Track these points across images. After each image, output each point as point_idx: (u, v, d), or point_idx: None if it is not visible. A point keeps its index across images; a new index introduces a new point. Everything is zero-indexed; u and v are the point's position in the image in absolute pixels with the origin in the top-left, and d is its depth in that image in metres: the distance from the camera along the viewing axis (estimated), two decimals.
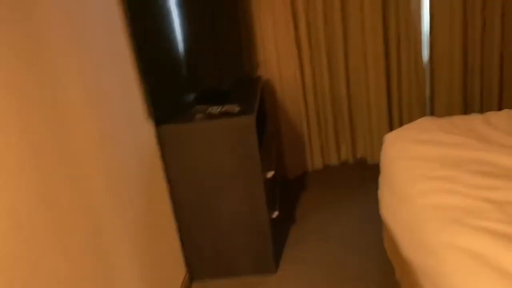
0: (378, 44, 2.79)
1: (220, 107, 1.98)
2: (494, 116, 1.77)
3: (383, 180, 1.79)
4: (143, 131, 1.78)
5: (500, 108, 2.95)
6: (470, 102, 2.96)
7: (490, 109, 2.93)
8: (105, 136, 1.42)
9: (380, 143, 2.97)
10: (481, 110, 2.94)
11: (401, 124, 3.01)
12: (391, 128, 3.01)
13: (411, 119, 2.99)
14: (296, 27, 2.73)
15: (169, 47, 1.92)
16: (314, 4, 2.71)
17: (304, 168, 3.09)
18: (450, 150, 1.54)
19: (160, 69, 1.90)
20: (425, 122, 1.83)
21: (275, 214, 2.19)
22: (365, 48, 2.83)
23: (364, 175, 2.95)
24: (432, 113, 3.00)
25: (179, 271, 2.04)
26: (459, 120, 1.79)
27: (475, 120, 1.76)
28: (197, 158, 1.96)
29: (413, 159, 1.58)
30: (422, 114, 2.97)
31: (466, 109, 2.97)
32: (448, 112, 2.95)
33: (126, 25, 1.72)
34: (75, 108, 1.25)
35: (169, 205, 2.00)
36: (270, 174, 2.13)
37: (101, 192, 1.35)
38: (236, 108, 1.96)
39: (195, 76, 2.06)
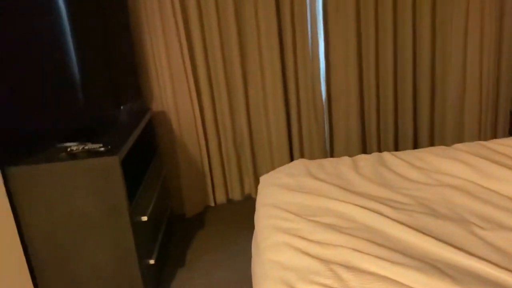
0: (276, 81, 2.76)
1: (83, 146, 1.81)
2: (362, 160, 1.74)
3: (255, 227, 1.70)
4: None
5: (396, 144, 3.00)
6: (368, 135, 2.99)
7: (387, 144, 2.97)
8: None
9: None
10: (378, 144, 2.98)
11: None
12: None
13: (312, 155, 2.97)
14: (193, 62, 2.65)
15: (23, 70, 1.74)
16: (211, 40, 2.65)
17: (206, 204, 2.96)
18: (307, 198, 1.48)
19: (9, 96, 1.71)
20: (296, 165, 1.76)
21: (151, 261, 2.02)
22: (264, 85, 2.80)
23: None
24: (331, 149, 3.00)
25: None
26: (328, 163, 1.74)
27: (343, 163, 1.72)
28: (55, 204, 1.77)
29: (273, 206, 1.49)
30: (322, 150, 2.95)
31: (364, 141, 2.99)
32: (347, 147, 2.96)
33: None
34: None
35: (22, 262, 1.77)
36: (143, 218, 1.97)
37: None
38: (101, 148, 1.80)
39: (62, 108, 1.89)
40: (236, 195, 3.01)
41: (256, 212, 1.63)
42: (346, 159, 1.78)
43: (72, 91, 1.89)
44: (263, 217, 1.46)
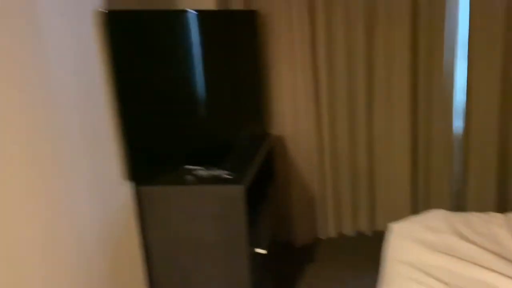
0: (404, 112, 2.55)
1: (209, 170, 1.81)
2: None
3: (381, 277, 1.53)
4: (118, 194, 1.63)
5: None
6: (508, 183, 2.61)
7: None
8: (55, 203, 1.28)
9: (402, 218, 2.69)
10: None
11: (426, 201, 2.71)
12: (414, 204, 2.71)
13: (437, 198, 2.68)
14: (316, 87, 2.56)
15: (165, 96, 1.80)
16: (337, 66, 2.54)
17: (316, 235, 2.83)
18: (457, 264, 1.27)
19: (149, 122, 1.76)
20: (435, 217, 1.55)
21: None
22: (390, 116, 2.60)
23: (381, 251, 2.64)
24: (462, 195, 2.67)
25: None
26: (477, 219, 1.50)
27: (496, 223, 1.47)
28: (178, 226, 1.79)
29: (412, 266, 1.31)
30: (450, 195, 2.65)
31: (503, 190, 2.62)
32: (481, 195, 2.61)
33: (106, 62, 1.58)
34: (14, 168, 1.11)
35: (142, 278, 1.82)
36: (261, 251, 1.91)
37: (40, 268, 1.19)
38: (227, 175, 1.78)
39: (193, 131, 1.92)
40: (347, 230, 2.84)
41: (386, 266, 1.46)
42: (498, 217, 1.52)
43: (197, 113, 1.91)
44: (400, 278, 1.29)
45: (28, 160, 1.16)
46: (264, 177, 2.45)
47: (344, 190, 2.76)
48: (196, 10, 1.83)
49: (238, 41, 2.17)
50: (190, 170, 1.87)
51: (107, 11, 1.57)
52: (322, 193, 2.74)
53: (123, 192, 1.67)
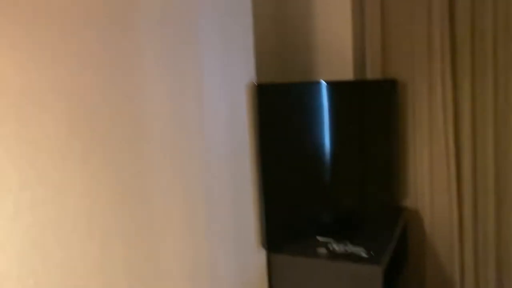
0: None
1: (345, 245, 1.73)
2: None
3: None
4: (253, 260, 1.63)
5: None
6: None
7: None
8: (203, 268, 1.32)
9: None
10: None
11: None
12: None
13: None
14: (457, 159, 2.36)
15: (300, 166, 1.80)
16: (483, 136, 2.32)
17: None
18: None
19: (285, 190, 1.77)
20: None
21: None
22: None
23: None
24: None
25: None
26: None
27: None
28: None
29: None
30: None
31: None
32: None
33: (254, 134, 1.65)
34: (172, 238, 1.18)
35: None
36: None
37: None
38: (363, 253, 1.68)
39: (325, 202, 1.88)
40: None
41: None
42: None
43: (329, 183, 1.87)
44: None
45: (185, 226, 1.22)
46: (397, 254, 2.27)
47: (486, 276, 2.42)
48: (331, 81, 1.87)
49: (373, 109, 2.12)
50: (322, 242, 1.81)
51: (256, 84, 1.66)
52: (461, 277, 2.43)
53: (258, 258, 1.68)
